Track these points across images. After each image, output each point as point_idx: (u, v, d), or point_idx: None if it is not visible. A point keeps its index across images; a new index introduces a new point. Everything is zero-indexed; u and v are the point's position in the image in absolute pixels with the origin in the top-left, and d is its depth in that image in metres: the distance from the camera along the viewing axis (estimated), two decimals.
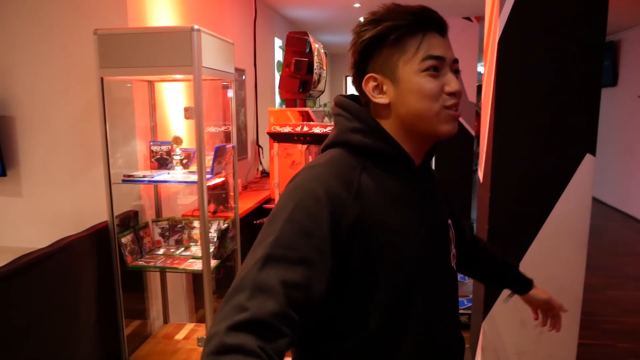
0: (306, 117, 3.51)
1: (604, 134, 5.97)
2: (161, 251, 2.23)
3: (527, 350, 1.89)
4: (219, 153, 2.11)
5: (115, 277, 1.99)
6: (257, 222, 3.24)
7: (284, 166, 3.30)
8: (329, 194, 0.71)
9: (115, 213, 1.99)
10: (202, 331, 2.34)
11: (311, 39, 3.64)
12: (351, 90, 0.87)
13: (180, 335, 2.33)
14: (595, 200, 6.59)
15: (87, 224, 1.93)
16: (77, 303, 1.79)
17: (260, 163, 4.40)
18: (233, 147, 2.32)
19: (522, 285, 1.16)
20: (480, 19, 5.15)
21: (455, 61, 0.80)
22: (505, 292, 1.18)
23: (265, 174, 4.25)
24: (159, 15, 2.45)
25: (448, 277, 0.88)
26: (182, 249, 2.25)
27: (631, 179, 6.06)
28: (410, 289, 0.77)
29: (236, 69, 2.44)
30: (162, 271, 2.30)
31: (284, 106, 3.87)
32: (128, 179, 2.05)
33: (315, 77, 3.66)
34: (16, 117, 2.21)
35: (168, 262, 2.11)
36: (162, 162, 2.20)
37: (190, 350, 2.18)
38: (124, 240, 2.05)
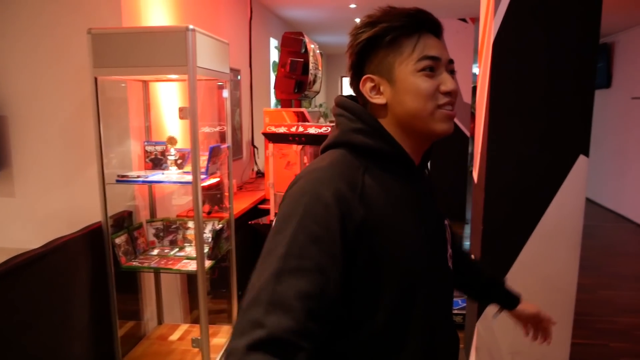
0: (301, 118, 3.51)
1: (598, 135, 6.00)
2: (155, 252, 2.22)
3: (521, 350, 1.90)
4: (213, 153, 2.11)
5: (109, 277, 1.98)
6: (252, 222, 3.24)
7: (279, 167, 3.30)
8: (337, 197, 0.71)
9: (109, 213, 1.98)
10: (196, 332, 2.33)
11: (307, 40, 3.64)
12: (347, 90, 0.87)
13: (174, 336, 2.32)
14: (588, 201, 6.63)
15: (80, 225, 1.92)
16: (71, 304, 1.78)
17: (256, 163, 4.40)
18: (228, 147, 2.32)
19: (510, 301, 1.13)
20: (476, 20, 5.17)
21: (451, 62, 0.81)
22: (494, 308, 1.16)
23: (260, 175, 4.24)
24: (153, 15, 2.44)
25: (446, 277, 0.89)
26: (177, 249, 2.24)
27: (624, 180, 6.10)
28: (413, 289, 0.78)
29: (231, 69, 2.43)
30: (157, 272, 2.29)
31: (279, 106, 3.87)
32: (122, 179, 2.04)
33: (310, 77, 3.66)
34: (9, 117, 2.20)
35: (162, 262, 2.10)
36: (157, 162, 2.19)
37: (185, 351, 2.18)
38: (117, 240, 2.04)
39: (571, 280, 1.85)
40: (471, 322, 2.13)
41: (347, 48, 0.83)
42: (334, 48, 8.65)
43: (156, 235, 2.27)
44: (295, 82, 3.62)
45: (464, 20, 5.32)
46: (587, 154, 1.77)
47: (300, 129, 2.89)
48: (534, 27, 1.74)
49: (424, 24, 0.79)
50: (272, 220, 3.04)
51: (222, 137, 3.04)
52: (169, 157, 2.17)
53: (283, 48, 3.65)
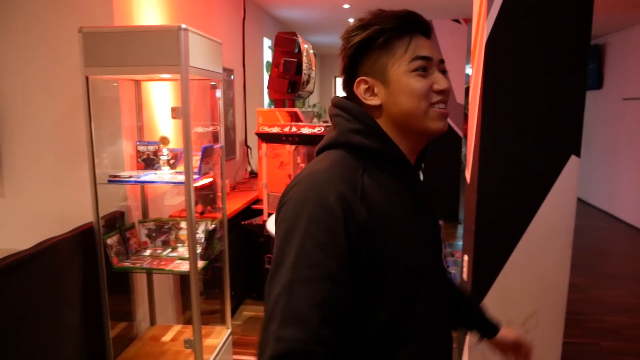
0: (295, 118, 3.51)
1: (589, 135, 6.06)
2: (148, 252, 2.21)
3: None
4: (206, 153, 2.10)
5: (101, 278, 1.97)
6: (245, 222, 3.23)
7: (272, 167, 3.29)
8: (340, 200, 0.72)
9: (101, 214, 1.97)
10: (189, 333, 2.32)
11: (300, 40, 3.63)
12: (340, 91, 0.88)
13: (167, 337, 2.31)
14: (580, 201, 6.69)
15: (72, 225, 1.91)
16: (62, 305, 1.77)
17: (249, 163, 4.39)
18: (221, 147, 2.31)
19: (489, 330, 1.09)
20: (469, 21, 5.19)
21: (442, 61, 0.82)
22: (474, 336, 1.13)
23: (253, 175, 4.23)
24: (145, 14, 2.43)
25: (443, 277, 0.90)
26: (169, 250, 2.23)
27: (615, 180, 6.16)
28: (414, 288, 0.78)
29: (224, 69, 2.42)
30: (149, 272, 2.27)
31: (272, 106, 3.87)
32: (114, 180, 2.03)
33: (304, 77, 3.66)
34: None
35: (155, 263, 2.09)
36: (149, 162, 2.18)
37: (177, 352, 2.17)
38: (109, 241, 2.02)
39: (563, 279, 1.86)
40: None
41: (340, 51, 0.84)
42: (327, 48, 8.66)
43: (148, 236, 2.26)
44: (289, 82, 3.62)
45: (457, 21, 5.34)
46: (578, 155, 1.79)
47: (294, 129, 2.89)
48: (526, 29, 1.76)
49: (415, 26, 0.81)
50: (265, 221, 3.03)
51: (215, 137, 3.03)
52: (162, 157, 2.16)
53: (276, 48, 3.65)
